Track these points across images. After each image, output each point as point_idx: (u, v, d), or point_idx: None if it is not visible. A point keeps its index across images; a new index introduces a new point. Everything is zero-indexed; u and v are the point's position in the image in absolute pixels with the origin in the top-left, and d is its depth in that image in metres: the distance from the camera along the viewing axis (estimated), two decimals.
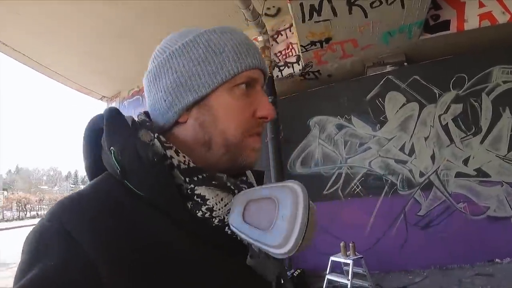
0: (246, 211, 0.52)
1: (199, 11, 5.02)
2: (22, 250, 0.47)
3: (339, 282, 3.99)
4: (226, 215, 0.54)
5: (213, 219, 0.53)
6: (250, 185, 0.62)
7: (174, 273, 0.47)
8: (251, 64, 0.58)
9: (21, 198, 29.19)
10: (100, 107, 10.03)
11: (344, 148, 4.91)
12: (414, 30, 4.09)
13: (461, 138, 4.32)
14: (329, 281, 4.09)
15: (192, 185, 0.52)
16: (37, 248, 0.45)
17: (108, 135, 0.54)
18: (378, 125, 4.65)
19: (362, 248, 4.52)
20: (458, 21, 4.16)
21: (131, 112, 8.84)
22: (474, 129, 4.31)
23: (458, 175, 4.31)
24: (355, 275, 3.91)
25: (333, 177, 4.98)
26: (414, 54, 4.63)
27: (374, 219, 4.66)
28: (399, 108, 4.53)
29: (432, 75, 4.44)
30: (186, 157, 0.55)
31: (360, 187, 4.76)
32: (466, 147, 4.31)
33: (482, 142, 4.28)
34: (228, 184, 0.56)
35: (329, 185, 5.00)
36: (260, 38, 5.29)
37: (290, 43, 5.25)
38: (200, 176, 0.53)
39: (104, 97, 9.23)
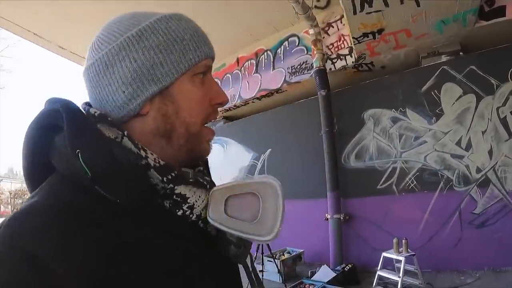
0: (227, 205, 0.74)
1: (249, 6, 7.16)
2: None
3: (390, 279, 5.36)
4: (202, 210, 0.76)
5: (191, 216, 0.75)
6: (209, 177, 0.88)
7: (151, 278, 0.64)
8: (208, 53, 0.78)
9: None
10: None
11: (399, 141, 6.49)
12: (469, 18, 5.57)
13: None
14: (380, 277, 5.49)
15: (171, 185, 0.71)
16: (4, 283, 0.51)
17: (72, 136, 0.64)
18: (434, 118, 6.17)
19: (414, 245, 5.96)
20: None
21: None
22: None
23: None
24: (406, 272, 5.19)
25: (388, 171, 6.58)
26: (470, 42, 6.14)
27: (428, 215, 6.13)
28: (456, 100, 6.02)
29: (489, 65, 5.86)
30: (154, 154, 0.72)
31: (415, 182, 6.28)
32: None
33: None
34: (201, 180, 0.79)
35: (383, 179, 6.61)
36: (311, 31, 7.24)
37: (342, 35, 7.11)
38: (173, 174, 0.72)
39: None
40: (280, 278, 6.61)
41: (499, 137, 5.70)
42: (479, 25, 5.71)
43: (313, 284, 5.69)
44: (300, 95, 8.56)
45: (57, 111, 0.67)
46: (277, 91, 8.63)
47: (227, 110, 10.22)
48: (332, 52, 7.28)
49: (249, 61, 9.34)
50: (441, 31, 5.90)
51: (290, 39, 8.28)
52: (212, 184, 0.84)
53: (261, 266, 6.13)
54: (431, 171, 6.18)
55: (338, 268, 6.35)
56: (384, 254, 5.46)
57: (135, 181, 0.66)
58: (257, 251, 6.09)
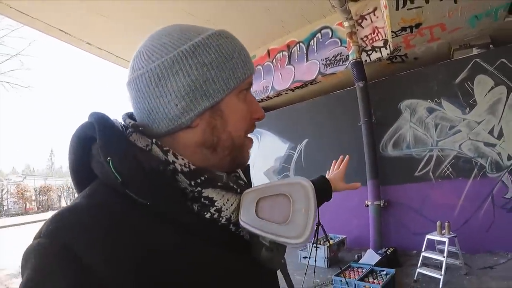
0: (258, 207, 0.83)
1: (284, 1, 8.23)
2: (22, 273, 0.65)
3: (434, 259, 6.12)
4: (232, 213, 0.86)
5: (221, 219, 0.84)
6: (243, 181, 1.01)
7: (184, 281, 0.74)
8: (252, 70, 0.91)
9: None
10: None
11: (435, 131, 7.65)
12: (500, 13, 6.49)
13: None
14: (425, 258, 6.19)
15: (199, 188, 0.81)
16: (41, 272, 0.62)
17: (103, 145, 0.76)
18: (468, 108, 7.29)
19: (451, 229, 6.90)
20: None
21: None
22: None
23: None
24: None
25: (424, 159, 7.76)
26: (500, 36, 7.19)
27: (463, 201, 7.30)
28: (488, 92, 7.10)
29: None
30: (184, 159, 0.83)
31: (450, 169, 7.45)
32: None
33: None
34: (231, 184, 0.88)
35: (420, 167, 7.79)
36: (346, 24, 8.25)
37: (376, 27, 8.15)
38: (203, 178, 0.82)
39: None
40: (326, 263, 7.69)
41: None
42: (509, 19, 6.68)
43: (361, 267, 6.41)
44: (333, 86, 9.59)
45: (91, 123, 0.80)
46: (311, 82, 9.62)
47: (260, 101, 11.03)
48: (366, 44, 8.30)
49: (281, 53, 10.27)
50: (473, 25, 6.87)
51: (323, 31, 9.23)
52: (246, 187, 0.93)
53: (312, 251, 6.60)
54: (465, 158, 7.31)
55: (380, 252, 7.33)
56: (428, 236, 6.30)
57: (161, 186, 0.77)
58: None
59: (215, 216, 0.84)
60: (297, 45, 9.88)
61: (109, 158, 0.73)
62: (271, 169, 10.80)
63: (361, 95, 8.22)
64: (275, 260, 0.88)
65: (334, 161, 1.93)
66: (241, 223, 0.85)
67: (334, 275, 6.05)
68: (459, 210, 7.36)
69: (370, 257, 7.12)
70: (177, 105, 0.81)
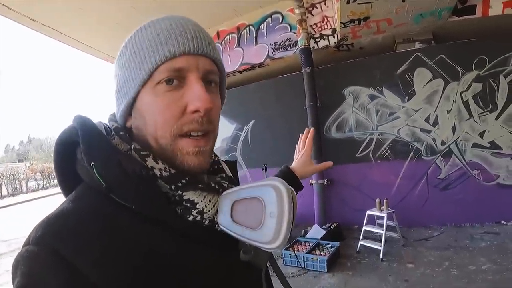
0: (233, 211, 0.72)
1: None
2: (12, 281, 0.59)
3: (374, 232, 6.11)
4: (215, 214, 0.75)
5: (204, 221, 0.74)
6: (230, 179, 0.89)
7: (175, 281, 0.67)
8: (168, 54, 0.70)
9: (45, 168, 33.86)
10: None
11: (376, 116, 7.40)
12: (444, 13, 6.40)
13: (479, 114, 6.70)
14: (366, 231, 6.16)
15: (179, 192, 0.72)
16: (31, 279, 0.57)
17: (87, 150, 0.68)
18: (407, 97, 7.11)
19: (389, 205, 6.81)
20: (484, 7, 6.42)
21: None
22: (490, 106, 6.65)
23: (474, 145, 6.73)
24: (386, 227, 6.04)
25: (365, 142, 7.50)
26: (441, 33, 7.11)
27: (400, 180, 7.17)
28: (426, 83, 6.97)
29: (457, 55, 6.82)
30: (164, 163, 0.73)
31: (389, 151, 7.26)
32: (483, 122, 6.69)
33: (497, 118, 6.64)
34: (213, 185, 0.76)
35: (361, 148, 7.53)
36: (297, 11, 7.76)
37: (325, 16, 7.73)
38: (184, 181, 0.72)
39: None
40: None
41: (461, 116, 6.76)
42: (452, 19, 6.59)
43: (308, 241, 6.33)
44: (281, 70, 9.05)
45: (74, 128, 0.72)
46: (260, 65, 9.02)
47: None
48: (315, 32, 7.85)
49: (230, 35, 9.52)
50: (417, 22, 6.70)
51: (273, 16, 8.60)
52: (230, 187, 0.80)
53: None
54: (403, 142, 7.17)
55: (325, 227, 7.11)
56: (369, 212, 6.24)
57: (144, 190, 0.68)
58: None
59: (198, 218, 0.73)
60: (247, 28, 9.17)
61: (92, 163, 0.66)
62: (218, 149, 9.96)
63: (307, 80, 7.78)
64: (257, 260, 0.81)
65: (300, 135, 1.64)
66: (220, 226, 0.75)
67: (284, 249, 5.86)
68: (397, 188, 7.24)
69: (316, 232, 6.90)
70: (117, 106, 0.79)
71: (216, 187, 0.77)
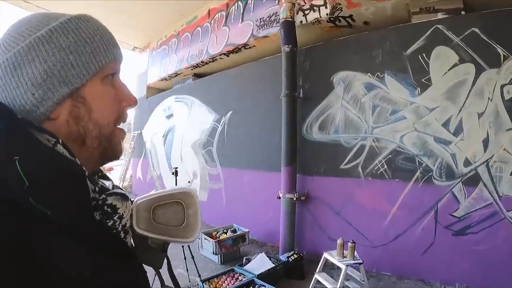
0: (154, 214, 0.72)
1: None
2: None
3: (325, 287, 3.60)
4: (127, 221, 0.66)
5: (118, 227, 0.63)
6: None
7: None
8: (117, 55, 0.67)
9: None
10: (132, 57, 11.33)
11: (372, 114, 4.48)
12: None
13: None
14: (317, 281, 3.74)
15: (103, 196, 0.60)
16: None
17: (10, 142, 0.52)
18: (419, 88, 4.11)
19: (376, 242, 4.35)
20: None
21: (159, 63, 9.61)
22: None
23: None
24: (352, 279, 3.64)
25: (355, 149, 4.63)
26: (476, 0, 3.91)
27: (397, 209, 4.27)
28: (449, 70, 3.94)
29: (498, 29, 3.72)
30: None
31: (385, 166, 4.35)
32: None
33: None
34: (125, 193, 0.67)
35: (348, 158, 4.68)
36: None
37: None
38: (99, 185, 0.60)
39: (136, 47, 10.43)
40: (220, 259, 4.99)
41: (500, 123, 3.68)
42: None
43: (243, 274, 4.19)
44: (270, 52, 6.34)
45: None
46: (245, 46, 6.47)
47: (196, 67, 8.03)
48: (305, 2, 5.10)
49: (220, 13, 7.10)
50: None
51: None
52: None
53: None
54: (407, 155, 4.21)
55: (283, 257, 4.59)
56: (326, 255, 3.70)
57: (76, 192, 0.56)
58: None
59: (117, 223, 0.63)
60: (236, 3, 6.67)
61: (16, 157, 0.50)
62: (197, 141, 7.58)
63: (286, 61, 5.08)
64: (160, 260, 0.79)
65: None
66: (138, 229, 0.70)
67: (201, 280, 4.02)
68: (391, 221, 4.32)
69: (260, 263, 4.46)
70: (33, 94, 0.58)
71: (127, 194, 0.69)
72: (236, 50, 6.69)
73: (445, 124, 3.94)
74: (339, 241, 3.53)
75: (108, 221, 0.61)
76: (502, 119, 3.65)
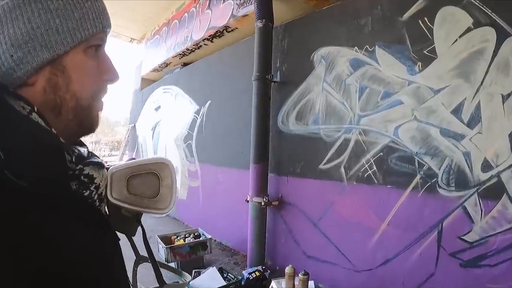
0: (129, 185, 0.68)
1: None
2: None
3: None
4: (103, 190, 0.62)
5: (95, 196, 0.59)
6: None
7: (61, 265, 0.47)
8: (105, 25, 0.59)
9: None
10: (130, 49, 10.46)
11: (359, 99, 3.21)
12: None
13: None
14: None
15: (80, 166, 0.55)
16: None
17: None
18: (419, 63, 2.81)
19: (361, 265, 3.17)
20: None
21: (152, 53, 8.48)
22: None
23: None
24: None
25: (336, 144, 3.37)
26: None
27: (388, 225, 2.99)
28: (460, 36, 2.62)
29: None
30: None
31: (375, 167, 3.08)
32: None
33: None
34: (101, 161, 0.63)
35: (329, 155, 3.42)
36: None
37: None
38: (76, 154, 0.55)
39: (133, 39, 9.51)
40: (176, 265, 3.97)
41: None
42: None
43: None
44: (253, 34, 5.08)
45: None
46: (226, 29, 5.26)
47: (183, 55, 6.89)
48: None
49: None
50: None
51: None
52: None
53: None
54: (403, 153, 2.91)
55: (246, 272, 3.44)
56: (274, 283, 2.83)
57: (52, 163, 0.50)
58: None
59: (93, 193, 0.59)
60: None
61: None
62: (180, 135, 6.45)
63: (258, 39, 3.88)
64: (134, 229, 0.75)
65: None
66: (111, 199, 0.67)
67: None
68: (380, 240, 3.04)
69: (209, 279, 3.47)
70: (12, 55, 0.50)
71: (103, 162, 0.65)
72: (219, 34, 5.48)
73: (456, 111, 2.63)
74: (287, 270, 2.48)
75: (84, 191, 0.57)
76: None
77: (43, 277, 0.44)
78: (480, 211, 2.51)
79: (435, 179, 2.73)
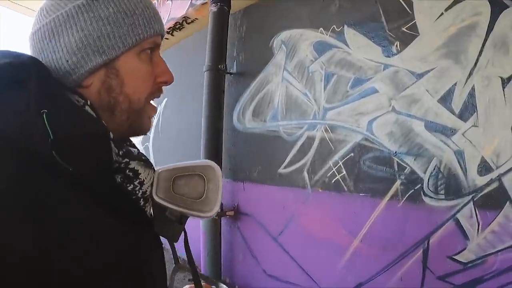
0: (174, 185, 0.63)
1: None
2: None
3: None
4: (147, 188, 0.58)
5: (138, 193, 0.55)
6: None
7: (96, 252, 0.46)
8: (157, 30, 0.58)
9: None
10: None
11: (324, 89, 2.50)
12: None
13: None
14: None
15: (126, 159, 0.53)
16: None
17: (41, 94, 0.45)
18: (397, 43, 2.14)
19: None
20: None
21: None
22: None
23: None
24: None
25: (298, 144, 2.65)
26: None
27: (361, 242, 2.28)
28: (446, 10, 1.97)
29: None
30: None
31: (344, 171, 2.37)
32: None
33: None
34: (149, 161, 0.60)
35: (289, 157, 2.70)
36: None
37: None
38: (124, 150, 0.53)
39: None
40: None
41: None
42: None
43: None
44: None
45: (24, 65, 0.47)
46: (186, 20, 4.42)
47: None
48: None
49: None
50: None
51: None
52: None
53: None
54: (379, 153, 2.21)
55: None
56: None
57: (99, 151, 0.49)
58: None
59: (137, 189, 0.56)
60: None
61: (44, 110, 0.43)
62: (137, 138, 5.62)
63: (212, 25, 3.16)
64: (176, 233, 0.67)
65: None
66: (156, 198, 0.62)
67: None
68: (351, 260, 2.31)
69: None
70: (67, 61, 0.52)
71: (150, 162, 0.62)
72: (178, 26, 4.64)
73: (445, 100, 1.96)
74: None
75: (128, 185, 0.54)
76: None
77: (78, 263, 0.42)
78: (477, 225, 1.85)
79: (419, 185, 2.04)
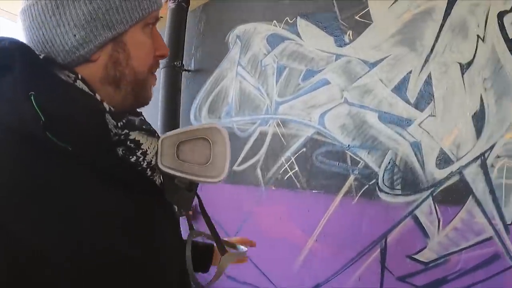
0: (179, 151, 0.51)
1: None
2: None
3: None
4: (152, 158, 0.50)
5: (143, 163, 0.48)
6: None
7: (102, 227, 0.40)
8: (159, 4, 0.53)
9: None
10: None
11: (276, 82, 2.03)
12: None
13: None
14: None
15: (126, 131, 0.45)
16: None
17: (26, 77, 0.38)
18: (350, 32, 1.71)
19: None
20: None
21: None
22: None
23: None
24: None
25: (251, 140, 2.14)
26: None
27: (316, 242, 1.81)
28: None
29: None
30: (104, 99, 0.45)
31: (297, 167, 1.89)
32: None
33: None
34: (151, 128, 0.51)
35: (243, 154, 2.20)
36: None
37: None
38: (124, 121, 0.45)
39: None
40: None
41: (505, 82, 1.24)
42: None
43: None
44: None
45: (7, 49, 0.39)
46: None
47: None
48: None
49: None
50: None
51: None
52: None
53: None
54: (331, 147, 1.75)
55: None
56: None
57: (94, 126, 0.41)
58: None
59: (140, 159, 0.47)
60: None
61: (31, 93, 0.37)
62: None
63: (169, 21, 2.56)
64: (187, 201, 0.56)
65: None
66: (162, 167, 0.51)
67: None
68: (307, 260, 1.82)
69: None
70: (75, 35, 0.43)
71: (153, 130, 0.52)
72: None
73: (399, 89, 1.53)
74: None
75: (131, 156, 0.46)
76: (507, 72, 1.26)
77: (89, 242, 0.36)
78: (437, 221, 1.42)
79: (374, 180, 1.60)
